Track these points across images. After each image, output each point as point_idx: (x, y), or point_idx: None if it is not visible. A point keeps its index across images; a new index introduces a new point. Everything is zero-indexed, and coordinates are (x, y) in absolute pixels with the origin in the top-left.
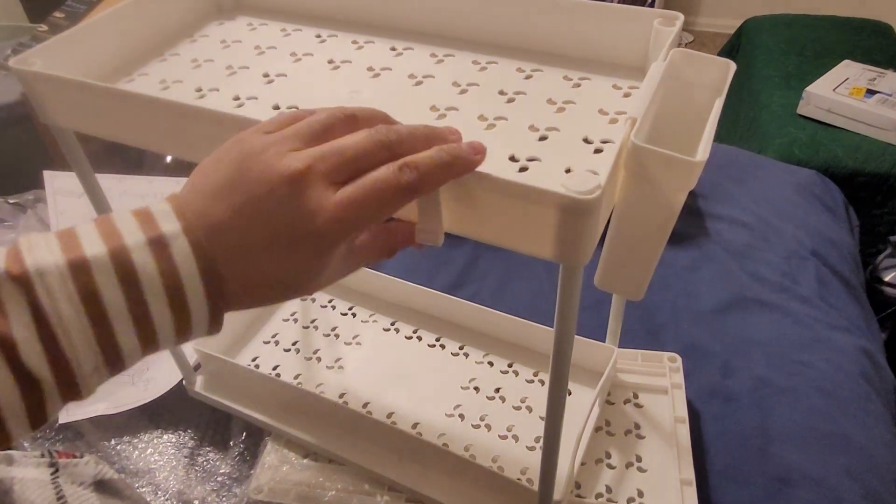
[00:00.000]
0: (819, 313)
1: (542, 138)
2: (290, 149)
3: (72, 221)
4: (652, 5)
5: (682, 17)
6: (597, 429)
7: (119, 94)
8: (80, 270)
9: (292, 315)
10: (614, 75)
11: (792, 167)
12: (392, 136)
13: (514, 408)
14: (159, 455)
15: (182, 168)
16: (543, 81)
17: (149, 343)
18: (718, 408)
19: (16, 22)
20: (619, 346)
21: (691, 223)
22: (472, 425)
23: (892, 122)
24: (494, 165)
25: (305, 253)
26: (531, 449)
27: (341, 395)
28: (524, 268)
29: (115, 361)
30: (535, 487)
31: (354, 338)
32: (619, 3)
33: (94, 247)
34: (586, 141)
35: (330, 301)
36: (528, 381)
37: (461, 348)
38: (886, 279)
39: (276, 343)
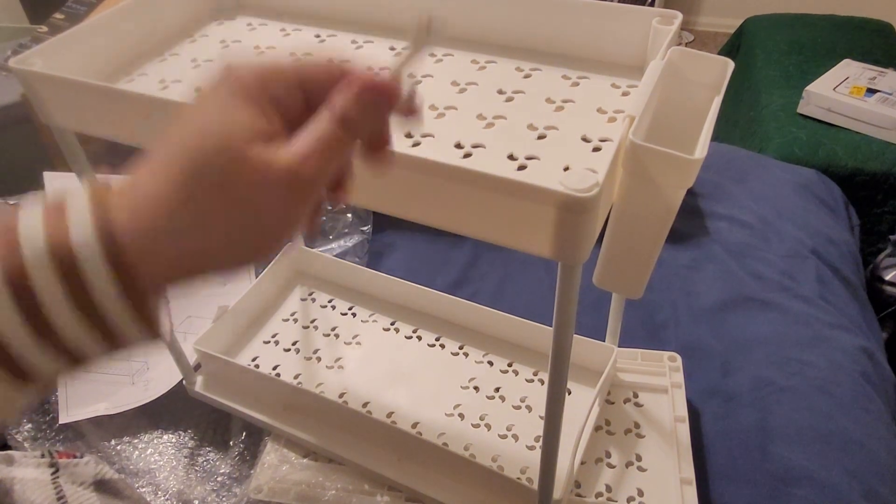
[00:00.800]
0: (819, 312)
1: (541, 137)
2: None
3: None
4: (652, 4)
5: (680, 15)
6: (597, 428)
7: (119, 93)
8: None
9: (292, 315)
10: (613, 74)
11: (792, 166)
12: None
13: (514, 407)
14: (159, 455)
15: None
16: (542, 80)
17: (44, 334)
18: (718, 407)
19: (16, 23)
20: (619, 346)
21: (691, 222)
22: (472, 425)
23: (893, 120)
24: (493, 164)
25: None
26: (531, 448)
27: (341, 395)
28: (524, 268)
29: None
30: (535, 486)
31: (354, 337)
32: (618, 2)
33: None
34: (585, 140)
35: (330, 301)
36: (527, 381)
37: (461, 348)
38: (887, 278)
39: (276, 343)
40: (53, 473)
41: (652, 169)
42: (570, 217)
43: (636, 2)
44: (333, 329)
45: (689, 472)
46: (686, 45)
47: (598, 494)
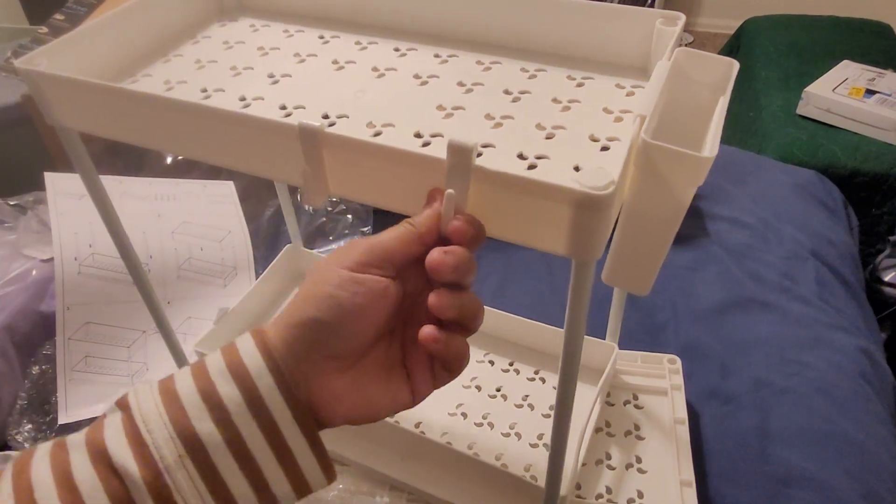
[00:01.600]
0: (818, 313)
1: (549, 137)
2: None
3: (72, 223)
4: (652, 5)
5: (683, 17)
6: (597, 430)
7: (130, 94)
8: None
9: None
10: (616, 75)
11: (791, 167)
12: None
13: (516, 406)
14: None
15: (181, 170)
16: (547, 81)
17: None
18: (718, 408)
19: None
20: (620, 348)
21: (691, 223)
22: (475, 423)
23: (892, 122)
24: (504, 163)
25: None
26: (534, 446)
27: None
28: (524, 269)
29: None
30: (539, 483)
31: None
32: (618, 3)
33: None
34: (593, 139)
35: None
36: (528, 380)
37: None
38: (886, 279)
39: None
40: None
41: (663, 167)
42: (585, 215)
43: (635, 3)
44: None
45: (689, 473)
46: (686, 45)
47: (599, 496)
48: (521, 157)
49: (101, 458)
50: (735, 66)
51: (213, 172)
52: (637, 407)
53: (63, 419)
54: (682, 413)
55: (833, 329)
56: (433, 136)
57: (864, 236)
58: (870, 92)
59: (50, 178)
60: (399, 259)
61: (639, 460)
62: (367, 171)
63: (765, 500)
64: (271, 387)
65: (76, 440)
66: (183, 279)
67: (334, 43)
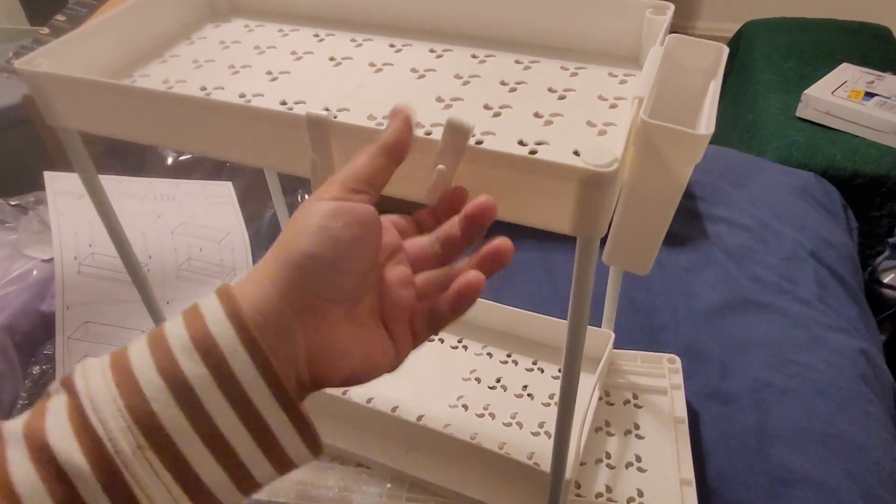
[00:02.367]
0: (818, 315)
1: (547, 123)
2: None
3: (72, 222)
4: None
5: (672, 6)
6: (596, 429)
7: (137, 91)
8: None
9: None
10: (609, 65)
11: (790, 169)
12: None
13: (516, 395)
14: None
15: (182, 170)
16: (542, 72)
17: (236, 470)
18: (717, 409)
19: (17, 25)
20: (619, 348)
21: (690, 225)
22: (476, 415)
23: (891, 124)
24: (505, 149)
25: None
26: (535, 434)
27: (344, 392)
28: (523, 269)
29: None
30: (544, 469)
31: None
32: None
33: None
34: (590, 124)
35: None
36: (527, 370)
37: (460, 341)
38: (885, 281)
39: None
40: None
41: (662, 146)
42: (591, 192)
43: None
44: None
45: (689, 472)
46: None
47: (598, 495)
48: (521, 143)
49: (44, 456)
50: (725, 50)
51: (214, 173)
52: (637, 406)
53: None
54: (682, 412)
55: (832, 330)
56: (434, 125)
57: (864, 238)
58: (869, 94)
59: (49, 177)
60: (379, 179)
61: (639, 459)
62: None
63: (764, 500)
64: (244, 360)
65: (14, 431)
66: (182, 279)
67: (329, 41)
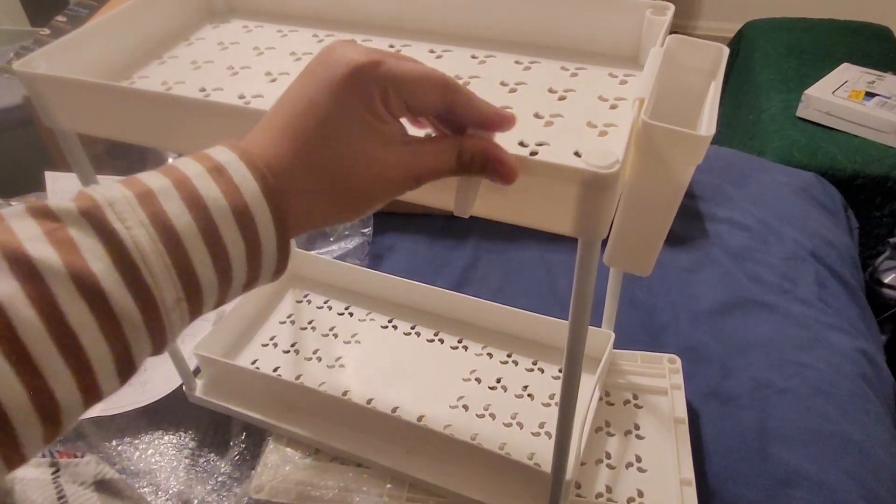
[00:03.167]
0: (818, 315)
1: (548, 124)
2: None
3: None
4: None
5: (672, 7)
6: (597, 429)
7: (136, 93)
8: (146, 197)
9: (289, 317)
10: (609, 65)
11: (791, 169)
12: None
13: (517, 396)
14: (160, 456)
15: None
16: (542, 72)
17: (224, 276)
18: (718, 409)
19: (18, 26)
20: (620, 349)
21: (691, 225)
22: (477, 415)
23: (891, 124)
24: (507, 150)
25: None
26: (536, 435)
27: (344, 393)
28: (524, 270)
29: (194, 294)
30: (544, 470)
31: (353, 336)
32: None
33: (156, 181)
34: (590, 125)
35: (326, 302)
36: (527, 370)
37: (460, 342)
38: (886, 281)
39: (275, 345)
40: (54, 473)
41: (663, 147)
42: (592, 194)
43: None
44: (331, 329)
45: (689, 472)
46: None
47: (599, 495)
48: (521, 144)
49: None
50: (725, 51)
51: None
52: (637, 406)
53: None
54: (682, 412)
55: (833, 330)
56: None
57: (864, 238)
58: (869, 94)
59: (50, 176)
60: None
61: (639, 459)
62: None
63: (765, 500)
64: (258, 197)
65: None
66: None
67: (329, 42)
